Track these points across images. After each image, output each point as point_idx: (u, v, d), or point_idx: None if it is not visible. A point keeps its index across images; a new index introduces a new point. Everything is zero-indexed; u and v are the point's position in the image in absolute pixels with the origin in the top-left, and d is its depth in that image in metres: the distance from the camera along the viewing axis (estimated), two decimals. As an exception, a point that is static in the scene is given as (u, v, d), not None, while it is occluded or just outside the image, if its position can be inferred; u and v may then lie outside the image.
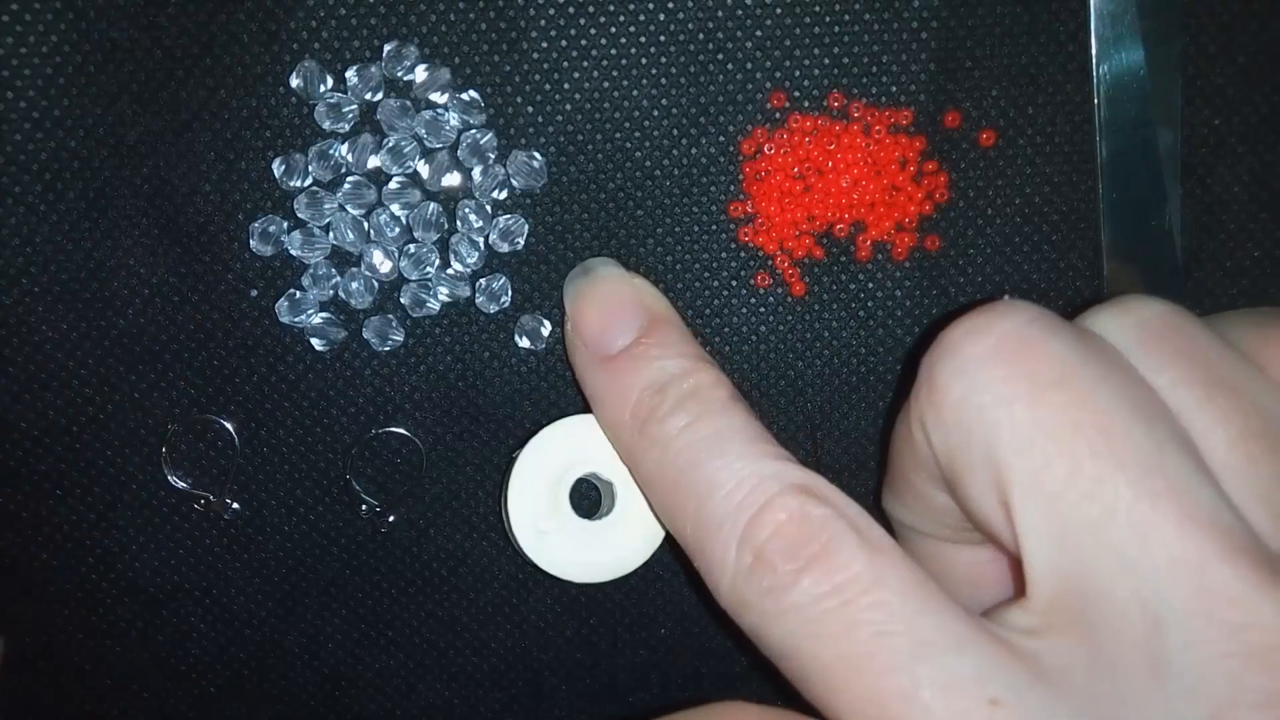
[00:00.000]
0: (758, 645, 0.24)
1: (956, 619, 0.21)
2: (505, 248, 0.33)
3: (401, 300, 0.34)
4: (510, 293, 0.34)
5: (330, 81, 0.32)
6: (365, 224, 0.33)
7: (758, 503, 0.24)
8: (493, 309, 0.34)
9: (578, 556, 0.32)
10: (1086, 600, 0.21)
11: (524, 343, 0.34)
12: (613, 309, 0.30)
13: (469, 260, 0.33)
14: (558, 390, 0.35)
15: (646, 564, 0.36)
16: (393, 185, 0.33)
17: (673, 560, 0.36)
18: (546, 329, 0.34)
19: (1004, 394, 0.22)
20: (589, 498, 0.34)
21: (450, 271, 0.34)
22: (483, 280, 0.34)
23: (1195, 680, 0.20)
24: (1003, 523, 0.22)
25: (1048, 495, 0.21)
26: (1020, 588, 0.23)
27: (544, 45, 0.32)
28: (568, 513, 0.32)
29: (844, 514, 0.23)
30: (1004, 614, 0.22)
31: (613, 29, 0.32)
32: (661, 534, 0.32)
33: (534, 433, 0.35)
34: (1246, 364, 0.24)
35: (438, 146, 0.33)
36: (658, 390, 0.28)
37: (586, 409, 0.35)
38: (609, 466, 0.31)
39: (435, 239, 0.33)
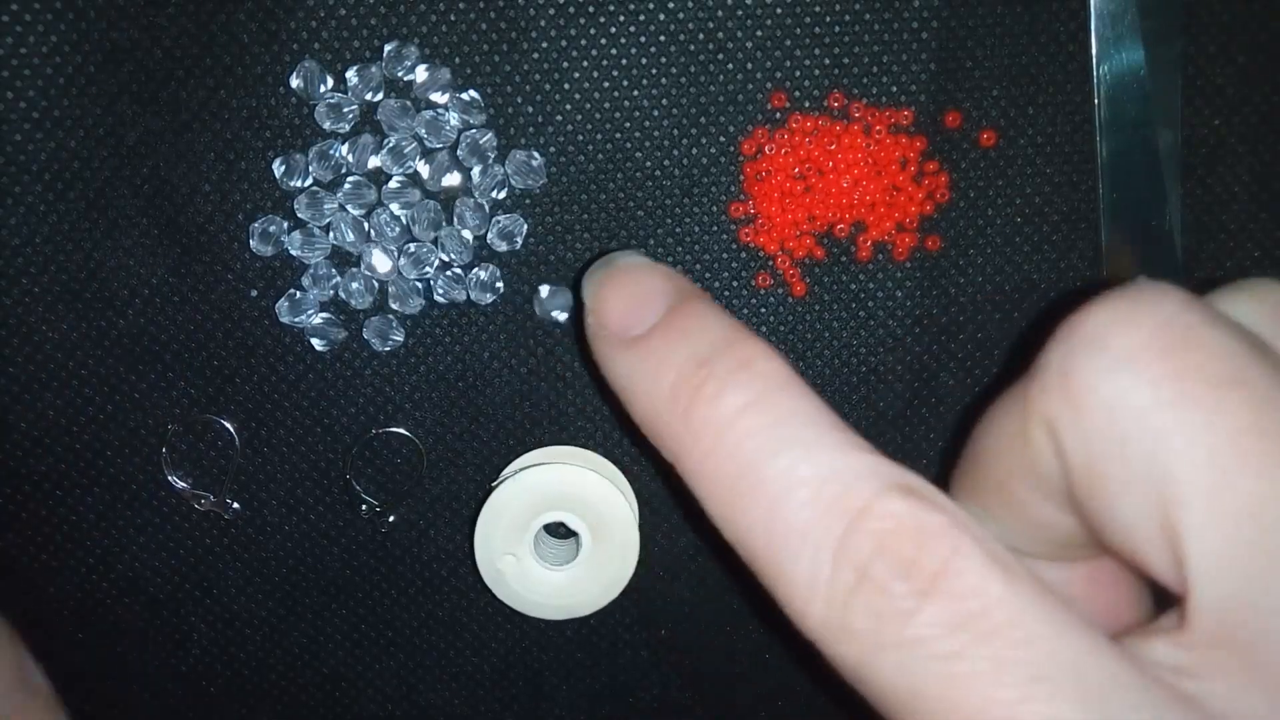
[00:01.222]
0: (855, 682, 0.20)
1: (1117, 659, 0.18)
2: (504, 247, 0.33)
3: (391, 303, 0.34)
4: (500, 281, 0.34)
5: (330, 81, 0.32)
6: (365, 224, 0.33)
7: (854, 505, 0.20)
8: (488, 299, 0.34)
9: (530, 596, 0.34)
10: (1263, 635, 0.18)
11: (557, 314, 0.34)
12: (639, 289, 0.26)
13: (460, 255, 0.33)
14: (557, 391, 0.35)
15: (647, 565, 0.36)
16: (392, 184, 0.33)
17: (673, 561, 0.36)
18: (560, 316, 0.34)
19: (1171, 394, 0.19)
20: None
21: (448, 274, 0.33)
22: (473, 273, 0.34)
23: None
24: (1159, 545, 0.19)
25: (1229, 516, 0.18)
26: (1128, 611, 0.20)
27: (544, 45, 0.32)
28: (529, 554, 0.33)
29: (962, 523, 0.20)
30: (1145, 646, 0.19)
31: (613, 29, 0.32)
32: (618, 591, 0.34)
33: (532, 432, 0.35)
34: None
35: (438, 146, 0.33)
36: (701, 363, 0.23)
37: (587, 415, 0.35)
38: (578, 518, 0.32)
39: (433, 237, 0.33)
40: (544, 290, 0.34)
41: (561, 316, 0.34)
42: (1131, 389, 0.19)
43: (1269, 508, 0.18)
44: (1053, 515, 0.21)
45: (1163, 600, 0.20)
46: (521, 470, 0.33)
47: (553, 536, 0.35)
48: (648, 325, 0.25)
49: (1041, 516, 0.22)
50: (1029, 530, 0.22)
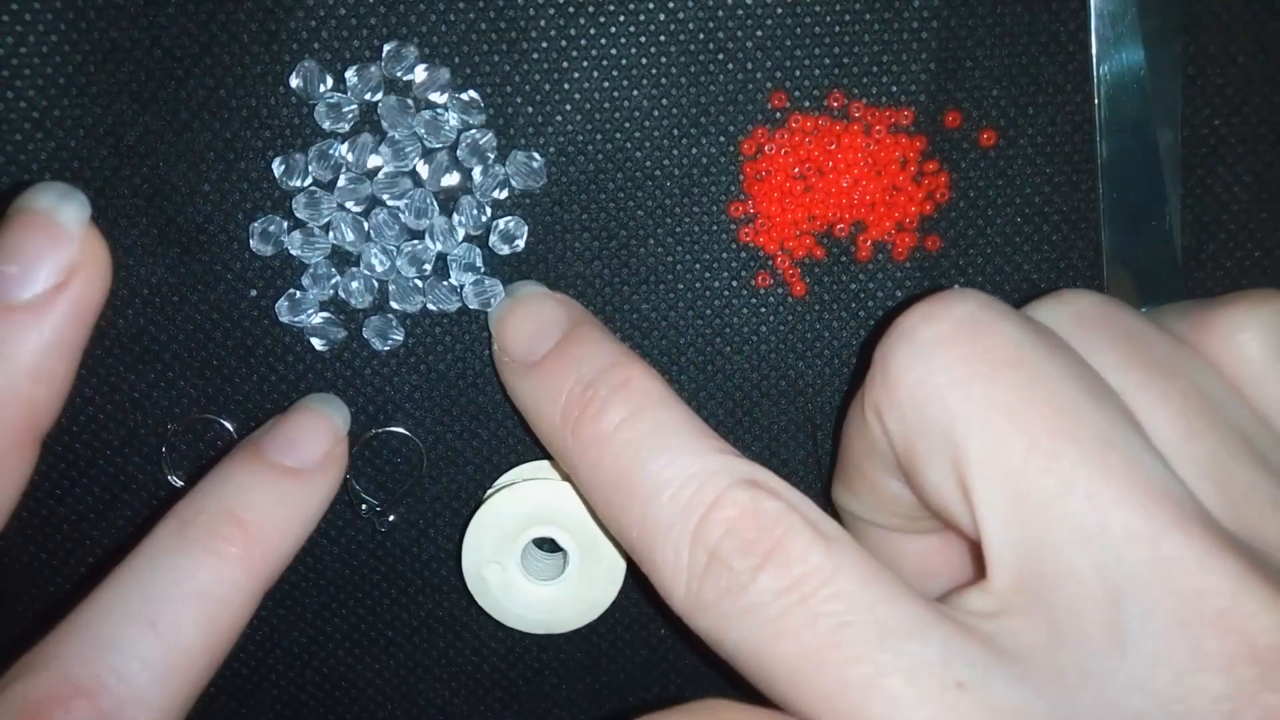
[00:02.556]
0: (715, 649, 0.24)
1: (917, 605, 0.22)
2: (505, 249, 0.33)
3: (391, 302, 0.34)
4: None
5: (330, 81, 0.32)
6: (365, 223, 0.33)
7: (707, 500, 0.23)
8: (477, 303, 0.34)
9: (512, 607, 0.34)
10: (1046, 576, 0.21)
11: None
12: (534, 318, 0.30)
13: (449, 245, 0.33)
14: (558, 390, 0.35)
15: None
16: (381, 177, 0.33)
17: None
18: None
19: (960, 374, 0.22)
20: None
21: (445, 284, 0.34)
22: (471, 283, 0.34)
23: (1156, 648, 0.20)
24: (960, 504, 0.22)
25: (1005, 471, 0.21)
26: (975, 574, 0.23)
27: (544, 45, 0.32)
28: (515, 566, 0.33)
29: (796, 507, 0.23)
30: (962, 598, 0.22)
31: (613, 29, 0.32)
32: (601, 610, 0.34)
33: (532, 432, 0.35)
34: (1182, 347, 0.24)
35: (437, 146, 0.33)
36: (586, 387, 0.27)
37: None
38: (568, 536, 0.33)
39: (427, 225, 0.33)
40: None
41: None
42: (930, 372, 0.22)
43: (1032, 464, 0.21)
44: (898, 490, 0.25)
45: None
46: (516, 483, 0.33)
47: (540, 550, 0.35)
48: (543, 351, 0.29)
49: (890, 492, 0.25)
50: (885, 506, 0.26)
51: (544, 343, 0.29)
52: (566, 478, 0.35)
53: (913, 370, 0.23)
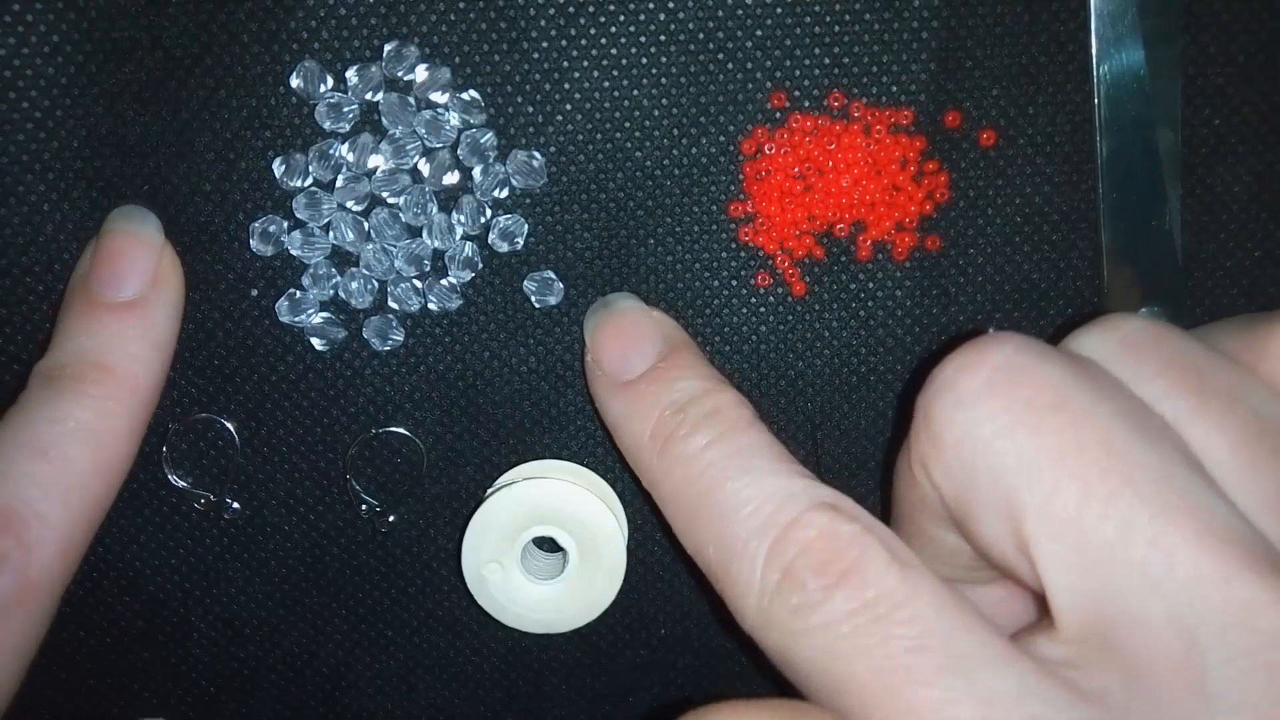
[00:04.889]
0: (782, 667, 0.24)
1: (992, 637, 0.21)
2: (505, 248, 0.33)
3: (391, 302, 0.34)
4: (479, 258, 0.34)
5: (330, 81, 0.32)
6: (365, 223, 0.33)
7: (784, 520, 0.23)
8: (467, 276, 0.34)
9: (511, 607, 0.34)
10: (1116, 625, 0.20)
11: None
12: (631, 336, 0.30)
13: (447, 242, 0.33)
14: (558, 391, 0.35)
15: (646, 565, 0.36)
16: (379, 174, 0.33)
17: (673, 561, 0.36)
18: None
19: (1004, 424, 0.22)
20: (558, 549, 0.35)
21: (444, 283, 0.34)
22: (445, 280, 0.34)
23: (1240, 694, 0.19)
24: (1019, 556, 0.22)
25: (1062, 521, 0.21)
26: (1042, 620, 0.22)
27: (544, 45, 0.32)
28: (515, 566, 0.33)
29: (873, 530, 0.23)
30: (1031, 645, 0.22)
31: (613, 29, 0.32)
32: (599, 612, 0.34)
33: (532, 432, 0.35)
34: (1236, 368, 0.23)
35: (438, 146, 0.33)
36: (678, 410, 0.27)
37: (587, 415, 0.35)
38: (568, 535, 0.33)
39: (425, 222, 0.33)
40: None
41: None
42: (974, 424, 0.22)
43: (1088, 510, 0.21)
44: (956, 542, 0.24)
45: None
46: (516, 482, 0.33)
47: (540, 550, 0.35)
48: (638, 371, 0.30)
49: (947, 545, 0.25)
50: (943, 558, 0.25)
51: (639, 361, 0.30)
52: (565, 478, 0.35)
53: (956, 423, 0.22)
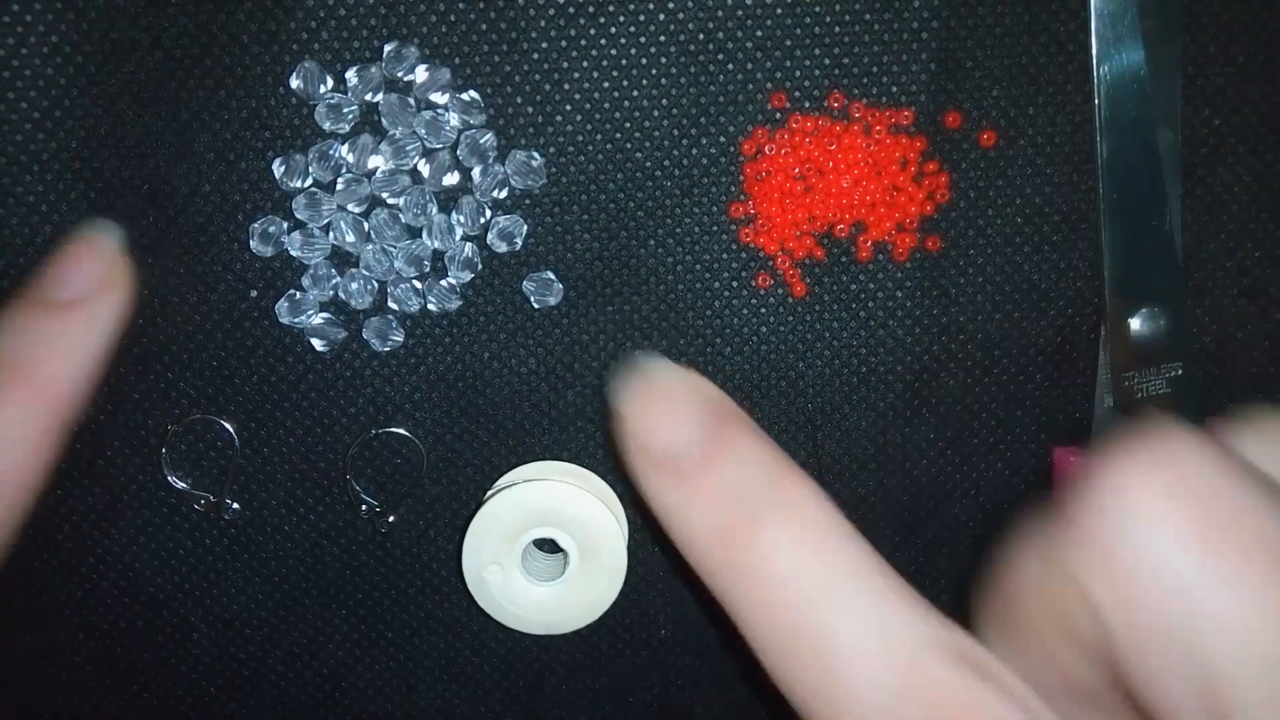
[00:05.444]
0: None
1: None
2: (504, 248, 0.33)
3: (390, 302, 0.34)
4: (478, 259, 0.34)
5: (330, 82, 0.32)
6: (365, 224, 0.33)
7: (906, 676, 0.20)
8: (466, 276, 0.34)
9: (511, 608, 0.34)
10: None
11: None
12: (670, 407, 0.25)
13: (447, 243, 0.33)
14: (557, 391, 0.35)
15: (646, 565, 0.36)
16: (379, 175, 0.33)
17: (672, 561, 0.36)
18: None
19: (1201, 562, 0.18)
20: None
21: (444, 283, 0.34)
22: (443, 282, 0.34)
23: None
24: (1197, 700, 0.18)
25: (1275, 667, 0.18)
26: None
27: (544, 45, 0.32)
28: (515, 567, 0.33)
29: (1010, 693, 0.19)
30: None
31: (613, 29, 0.32)
32: (599, 613, 0.34)
33: (532, 433, 0.35)
34: None
35: (437, 147, 0.33)
36: (746, 504, 0.23)
37: (587, 416, 0.35)
38: (567, 536, 0.33)
39: (425, 222, 0.33)
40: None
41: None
42: (1161, 555, 0.19)
43: None
44: (1084, 670, 0.21)
45: None
46: (516, 483, 0.33)
47: (541, 551, 0.35)
48: (686, 449, 0.24)
49: (1072, 668, 0.21)
50: (1054, 675, 0.22)
51: (684, 435, 0.25)
52: (567, 478, 0.35)
53: (1136, 549, 0.19)
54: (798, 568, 0.21)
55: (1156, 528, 0.18)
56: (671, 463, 0.24)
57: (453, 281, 0.34)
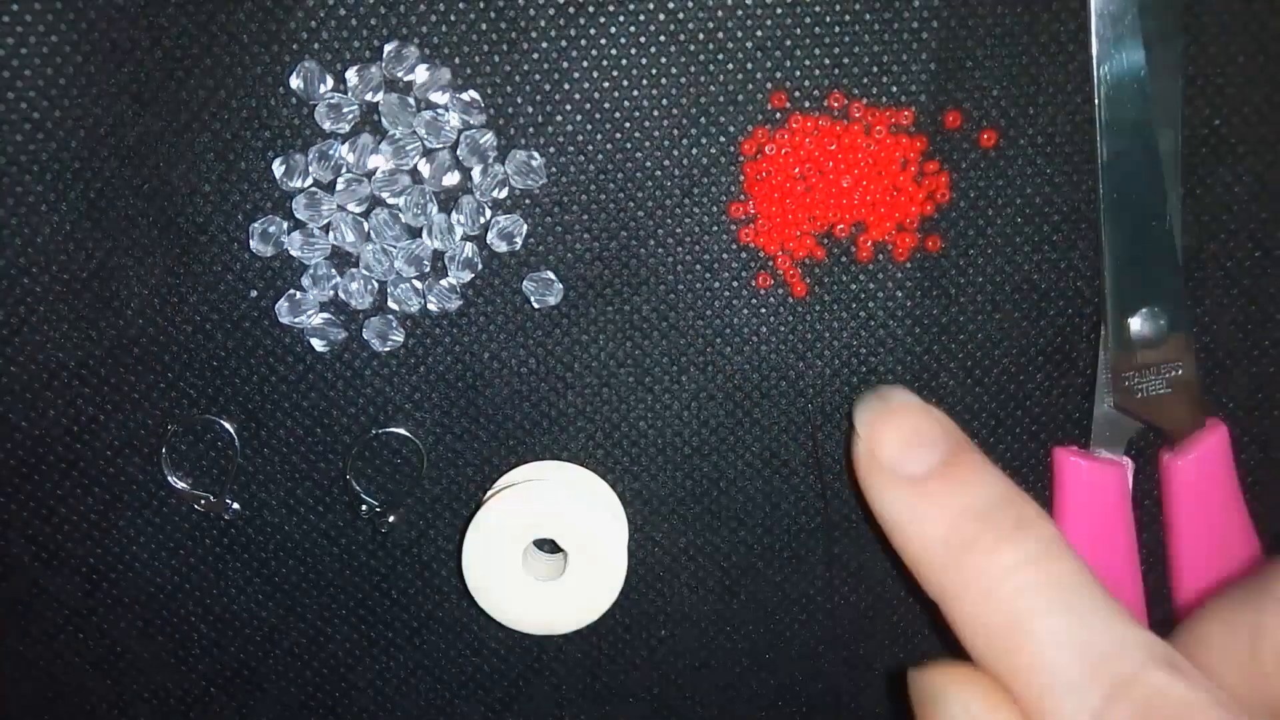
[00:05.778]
0: None
1: None
2: (504, 247, 0.33)
3: (390, 302, 0.34)
4: (478, 259, 0.34)
5: (330, 81, 0.32)
6: (365, 224, 0.33)
7: (1120, 673, 0.21)
8: (467, 276, 0.34)
9: (511, 609, 0.34)
10: None
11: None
12: (914, 430, 0.28)
13: (447, 243, 0.33)
14: (557, 391, 0.35)
15: (646, 566, 0.36)
16: (379, 175, 0.33)
17: (672, 561, 0.36)
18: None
19: None
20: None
21: (444, 283, 0.34)
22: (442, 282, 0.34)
23: None
24: None
25: None
26: None
27: (544, 45, 0.32)
28: (515, 568, 0.33)
29: (1219, 701, 0.21)
30: None
31: (613, 29, 0.32)
32: (599, 613, 0.34)
33: (532, 433, 0.35)
34: None
35: (437, 147, 0.33)
36: (977, 517, 0.25)
37: (587, 416, 0.35)
38: (567, 536, 0.33)
39: (425, 222, 0.33)
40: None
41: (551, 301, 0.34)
42: None
43: None
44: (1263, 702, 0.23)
45: None
46: (516, 484, 0.33)
47: (541, 551, 0.35)
48: (922, 467, 0.27)
49: (1249, 697, 0.23)
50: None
51: (924, 457, 0.27)
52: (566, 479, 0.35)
53: None
54: (1019, 573, 0.24)
55: None
56: (908, 477, 0.27)
57: (453, 281, 0.34)
